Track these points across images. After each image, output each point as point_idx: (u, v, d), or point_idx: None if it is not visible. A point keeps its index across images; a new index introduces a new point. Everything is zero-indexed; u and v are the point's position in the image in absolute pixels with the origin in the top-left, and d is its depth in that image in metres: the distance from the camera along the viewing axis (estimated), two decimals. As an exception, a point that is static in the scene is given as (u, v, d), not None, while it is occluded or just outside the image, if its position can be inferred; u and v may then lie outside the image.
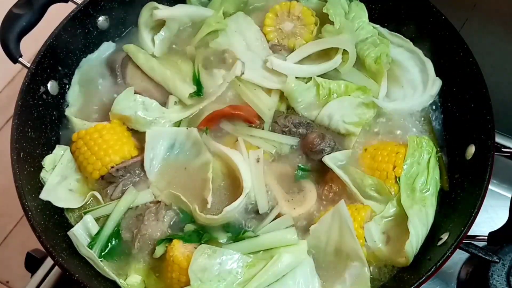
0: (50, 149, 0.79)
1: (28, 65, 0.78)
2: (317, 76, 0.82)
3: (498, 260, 0.77)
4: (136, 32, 0.90)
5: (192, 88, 0.82)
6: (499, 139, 0.90)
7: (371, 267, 0.71)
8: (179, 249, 0.70)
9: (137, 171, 0.77)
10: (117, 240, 0.73)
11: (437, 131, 0.82)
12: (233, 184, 0.75)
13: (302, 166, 0.77)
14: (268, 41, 0.87)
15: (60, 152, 0.79)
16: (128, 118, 0.79)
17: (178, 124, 0.80)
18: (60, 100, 0.83)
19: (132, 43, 0.87)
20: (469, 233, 0.68)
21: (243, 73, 0.81)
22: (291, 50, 0.86)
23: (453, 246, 0.67)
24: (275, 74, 0.82)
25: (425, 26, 0.84)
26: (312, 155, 0.77)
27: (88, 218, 0.73)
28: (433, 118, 0.83)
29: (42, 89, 0.80)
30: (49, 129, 0.80)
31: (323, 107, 0.80)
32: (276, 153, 0.78)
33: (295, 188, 0.76)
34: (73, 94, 0.85)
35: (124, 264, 0.73)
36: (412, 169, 0.75)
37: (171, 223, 0.74)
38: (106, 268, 0.70)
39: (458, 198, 0.74)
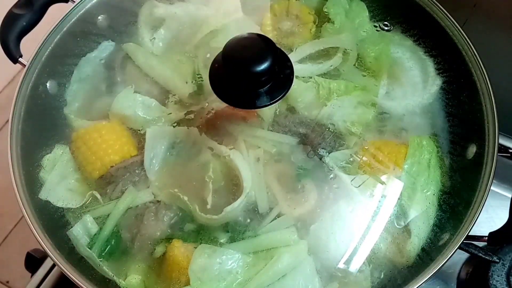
0: (49, 149, 0.79)
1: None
2: (317, 75, 0.82)
3: (498, 260, 0.77)
4: (135, 30, 0.90)
5: (192, 88, 0.82)
6: (500, 140, 0.90)
7: (371, 267, 0.71)
8: (179, 249, 0.70)
9: (136, 171, 0.76)
10: (116, 240, 0.73)
11: (437, 131, 0.82)
12: (233, 184, 0.75)
13: (303, 166, 0.77)
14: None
15: (59, 152, 0.78)
16: (128, 118, 0.79)
17: (178, 123, 0.80)
18: (59, 99, 0.83)
19: (132, 42, 0.87)
20: (469, 233, 0.69)
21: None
22: (291, 49, 0.86)
23: (453, 247, 0.67)
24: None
25: (426, 25, 0.84)
26: (312, 155, 0.77)
27: (88, 218, 0.73)
28: (434, 117, 0.83)
29: (41, 88, 0.80)
30: (48, 129, 0.80)
31: (323, 107, 0.79)
32: (276, 152, 0.78)
33: (295, 188, 0.76)
34: (72, 93, 0.84)
35: (123, 264, 0.73)
36: (413, 169, 0.75)
37: (171, 223, 0.73)
38: (106, 268, 0.70)
39: (459, 198, 0.74)
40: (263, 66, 0.63)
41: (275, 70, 0.65)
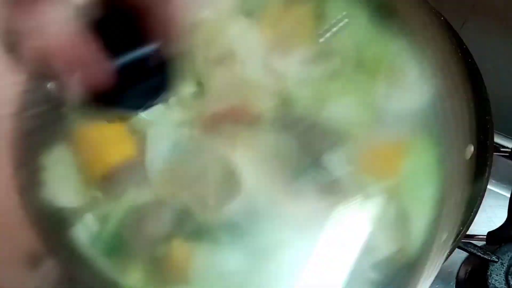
0: (49, 149, 0.78)
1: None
2: (316, 76, 0.82)
3: (496, 260, 0.78)
4: (136, 31, 0.89)
5: (193, 88, 0.82)
6: (497, 139, 0.90)
7: (371, 267, 0.71)
8: (179, 248, 0.70)
9: (137, 171, 0.76)
10: (117, 240, 0.73)
11: (436, 131, 0.82)
12: (233, 184, 0.75)
13: (302, 166, 0.78)
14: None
15: (61, 152, 0.78)
16: (129, 118, 0.78)
17: (179, 124, 0.80)
18: (60, 99, 0.83)
19: (132, 43, 0.87)
20: (468, 233, 0.69)
21: (243, 73, 0.81)
22: (290, 50, 0.86)
23: (452, 246, 0.68)
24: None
25: (425, 26, 0.85)
26: (312, 155, 0.77)
27: (89, 218, 0.73)
28: (432, 118, 0.83)
29: (42, 88, 0.80)
30: (50, 128, 0.80)
31: (323, 107, 0.80)
32: (275, 152, 0.78)
33: (295, 188, 0.76)
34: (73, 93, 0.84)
35: (124, 263, 0.73)
36: (411, 168, 0.75)
37: (171, 223, 0.73)
38: (106, 268, 0.70)
39: (458, 197, 0.75)
40: None
41: None
